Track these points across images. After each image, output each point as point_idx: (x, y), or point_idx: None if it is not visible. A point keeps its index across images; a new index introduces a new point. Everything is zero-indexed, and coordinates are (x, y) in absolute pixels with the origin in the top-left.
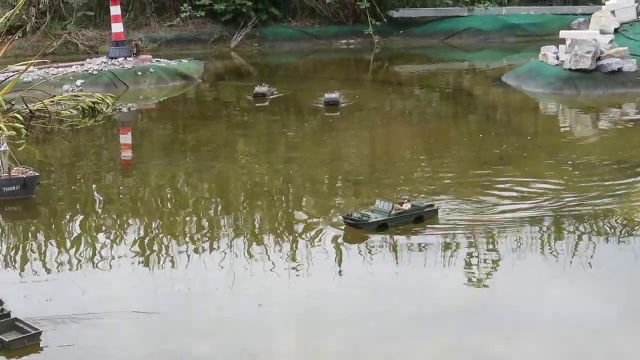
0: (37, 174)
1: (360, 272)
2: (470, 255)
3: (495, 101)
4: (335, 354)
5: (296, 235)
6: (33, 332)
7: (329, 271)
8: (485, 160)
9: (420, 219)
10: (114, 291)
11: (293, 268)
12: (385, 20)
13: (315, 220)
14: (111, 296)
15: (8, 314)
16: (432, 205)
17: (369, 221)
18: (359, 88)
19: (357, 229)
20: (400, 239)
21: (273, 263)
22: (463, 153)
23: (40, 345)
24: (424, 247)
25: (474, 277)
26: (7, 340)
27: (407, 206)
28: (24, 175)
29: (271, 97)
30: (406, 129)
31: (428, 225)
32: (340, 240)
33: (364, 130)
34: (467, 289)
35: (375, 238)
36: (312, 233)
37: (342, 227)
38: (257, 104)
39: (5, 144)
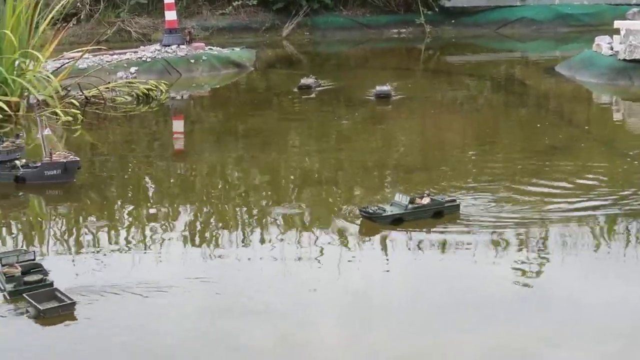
0: (77, 158)
1: (407, 261)
2: (516, 249)
3: (547, 91)
4: (380, 343)
5: (345, 223)
6: (68, 302)
7: (375, 259)
8: (537, 150)
9: (439, 214)
10: (160, 273)
11: (342, 255)
12: (437, 10)
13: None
14: (157, 277)
15: (50, 284)
16: (453, 201)
17: (383, 214)
18: (411, 78)
19: (372, 222)
20: (447, 231)
21: (322, 250)
22: (515, 142)
23: (75, 315)
24: (469, 240)
25: (519, 271)
26: (42, 308)
27: (426, 200)
28: (64, 160)
29: (318, 89)
30: (458, 119)
31: (473, 218)
32: (387, 229)
33: (415, 121)
34: (513, 284)
35: (423, 230)
36: (361, 221)
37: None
38: (304, 96)
39: (48, 128)
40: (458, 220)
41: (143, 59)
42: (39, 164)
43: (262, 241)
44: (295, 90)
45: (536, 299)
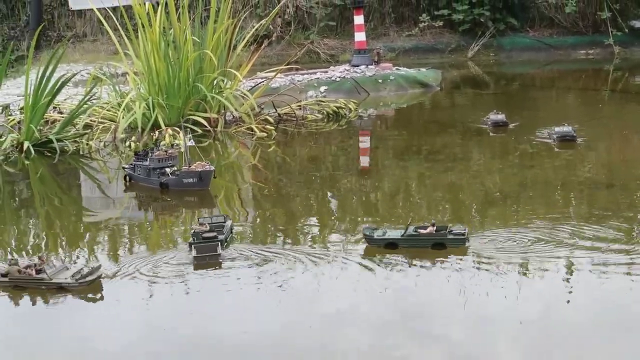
0: (212, 168)
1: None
2: None
3: None
4: None
5: (526, 244)
6: (214, 253)
7: (555, 285)
8: None
9: (441, 245)
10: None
11: (522, 274)
12: (627, 31)
13: (543, 228)
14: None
15: (217, 240)
16: (461, 235)
17: (374, 237)
18: (598, 100)
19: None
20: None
21: (501, 271)
22: None
23: (221, 262)
24: None
25: None
26: (194, 255)
27: (429, 230)
28: (199, 169)
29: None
30: None
31: None
32: (571, 249)
33: (600, 143)
34: None
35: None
36: (543, 244)
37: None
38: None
39: (192, 138)
40: None
41: (332, 78)
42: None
43: (438, 260)
44: (488, 126)
45: None
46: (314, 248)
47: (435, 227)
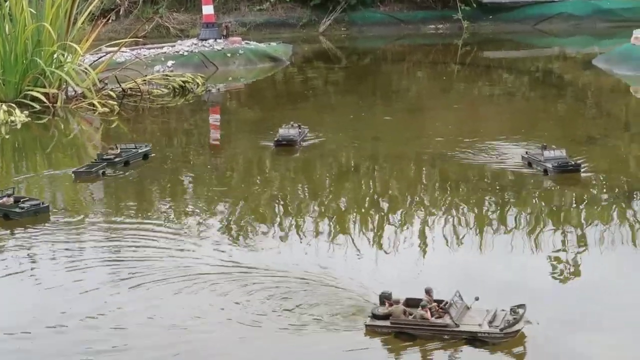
0: None
1: None
2: None
3: (585, 84)
4: None
5: (382, 215)
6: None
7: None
8: (573, 140)
9: (36, 214)
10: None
11: (380, 249)
12: (475, 5)
13: (400, 200)
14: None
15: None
16: (37, 205)
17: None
18: (447, 73)
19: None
20: None
21: (359, 247)
22: (551, 134)
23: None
24: None
25: None
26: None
27: (4, 201)
28: None
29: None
30: (494, 111)
31: None
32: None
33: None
34: None
35: None
36: (398, 214)
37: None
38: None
39: None
40: None
41: (180, 52)
42: None
43: (301, 238)
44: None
45: None
46: None
47: (12, 198)
